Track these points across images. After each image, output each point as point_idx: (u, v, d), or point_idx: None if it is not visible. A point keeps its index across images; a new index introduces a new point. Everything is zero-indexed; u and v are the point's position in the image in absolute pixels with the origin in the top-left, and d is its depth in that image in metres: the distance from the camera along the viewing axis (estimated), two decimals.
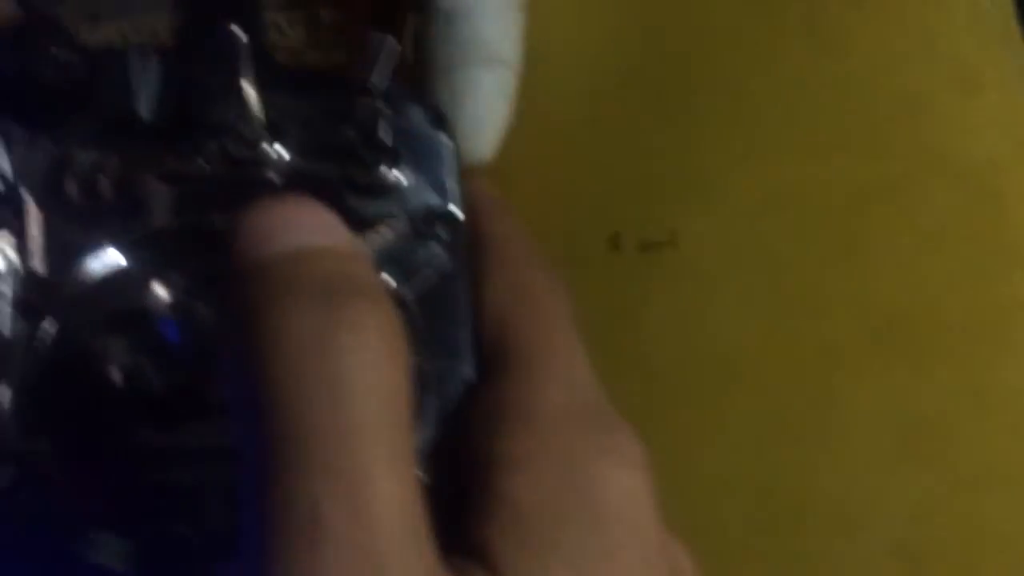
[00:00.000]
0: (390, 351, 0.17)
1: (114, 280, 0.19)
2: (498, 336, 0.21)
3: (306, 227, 0.18)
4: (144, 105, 0.21)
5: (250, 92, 0.20)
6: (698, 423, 0.52)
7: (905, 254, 0.51)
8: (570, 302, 0.23)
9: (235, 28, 0.18)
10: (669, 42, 0.60)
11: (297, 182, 0.21)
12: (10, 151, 0.20)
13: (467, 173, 0.57)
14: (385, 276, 0.20)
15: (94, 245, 0.19)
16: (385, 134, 0.21)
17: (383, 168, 0.21)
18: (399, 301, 0.20)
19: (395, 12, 0.64)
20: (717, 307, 0.53)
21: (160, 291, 0.19)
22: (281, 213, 0.17)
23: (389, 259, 0.21)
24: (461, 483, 0.20)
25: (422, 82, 0.63)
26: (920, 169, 0.52)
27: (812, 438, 0.51)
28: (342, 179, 0.21)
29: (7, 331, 0.19)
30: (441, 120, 0.23)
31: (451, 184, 0.22)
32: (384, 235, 0.21)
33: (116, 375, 0.19)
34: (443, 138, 0.22)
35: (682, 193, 0.55)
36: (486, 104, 0.63)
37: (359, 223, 0.21)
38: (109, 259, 0.20)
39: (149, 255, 0.20)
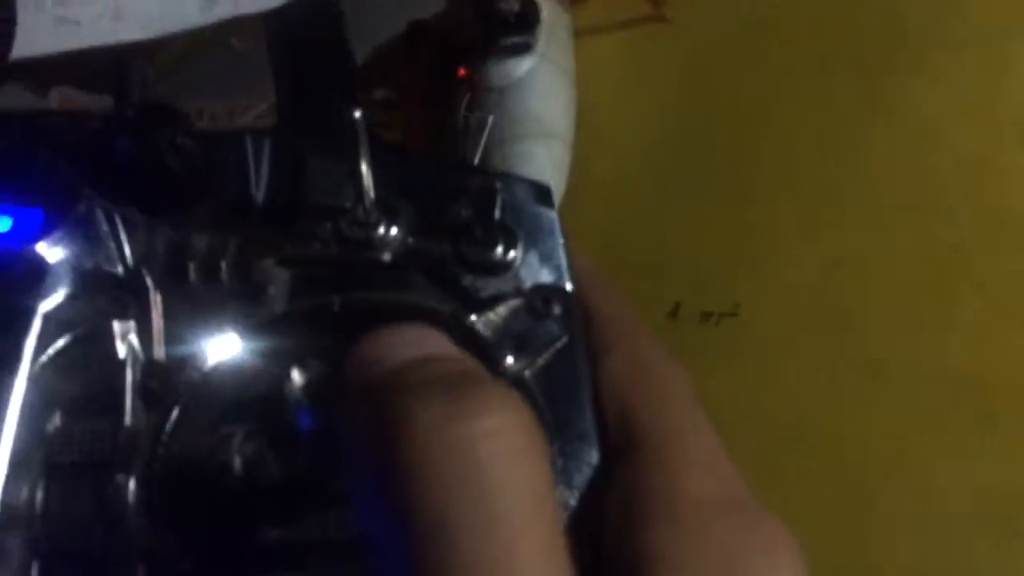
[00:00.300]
0: (525, 438, 0.16)
1: (235, 366, 0.20)
2: (622, 417, 0.21)
3: (418, 342, 0.18)
4: (260, 188, 0.21)
5: (366, 172, 0.20)
6: (767, 496, 0.51)
7: (977, 319, 0.50)
8: (692, 381, 0.22)
9: (356, 111, 0.19)
10: (722, 110, 0.61)
11: (412, 262, 0.21)
12: (132, 237, 0.20)
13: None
14: (506, 356, 0.20)
15: (214, 331, 0.20)
16: (500, 212, 0.21)
17: (498, 247, 0.21)
18: (520, 381, 0.20)
19: (448, 90, 0.66)
20: (782, 377, 0.52)
21: (297, 377, 0.19)
22: (393, 334, 0.18)
23: (507, 338, 0.20)
24: None
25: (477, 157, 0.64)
26: (986, 232, 0.51)
27: (887, 509, 0.50)
28: (456, 258, 0.21)
29: (130, 420, 0.19)
30: (546, 195, 0.23)
31: (561, 259, 0.22)
32: (501, 314, 0.21)
33: (237, 464, 0.19)
34: (550, 213, 0.22)
35: (742, 262, 0.55)
36: (539, 177, 0.64)
37: (476, 303, 0.21)
38: (228, 346, 0.20)
39: (269, 340, 0.20)
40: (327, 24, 0.22)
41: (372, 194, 0.20)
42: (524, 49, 0.59)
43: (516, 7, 0.59)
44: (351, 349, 0.18)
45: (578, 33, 0.64)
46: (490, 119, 0.23)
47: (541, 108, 0.60)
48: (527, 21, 0.59)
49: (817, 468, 0.51)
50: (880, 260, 0.53)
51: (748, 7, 0.60)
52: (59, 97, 0.67)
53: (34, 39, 0.19)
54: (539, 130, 0.59)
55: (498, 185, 0.21)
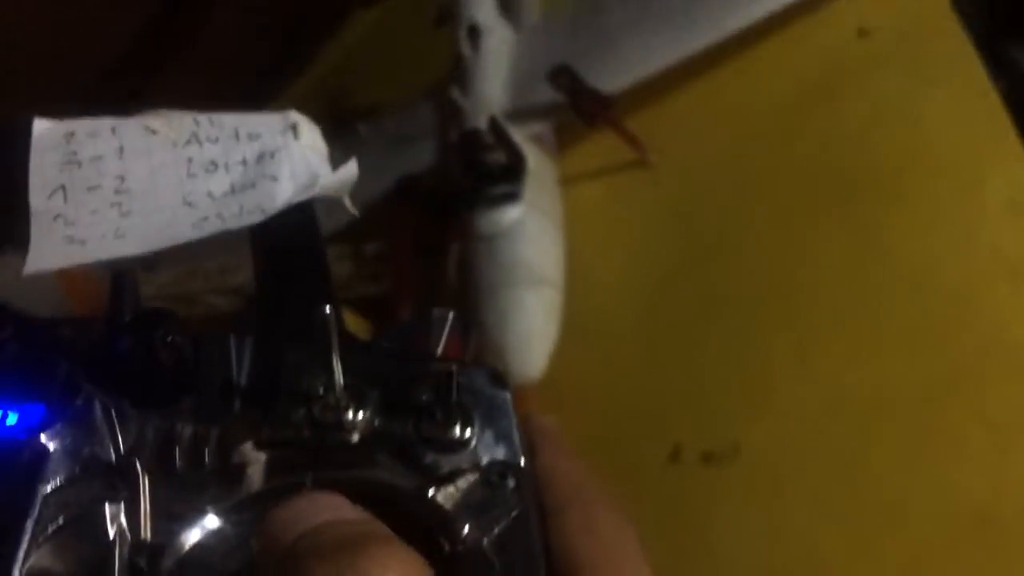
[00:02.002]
0: None
1: (215, 544, 0.23)
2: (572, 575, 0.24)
3: (321, 509, 0.20)
4: (241, 380, 0.25)
5: (336, 362, 0.24)
6: None
7: (983, 449, 0.52)
8: (638, 536, 0.25)
9: (327, 310, 0.22)
10: (712, 250, 0.65)
11: (378, 442, 0.24)
12: (125, 427, 0.24)
13: (521, 403, 0.60)
14: (464, 526, 0.23)
15: (196, 512, 0.23)
16: (458, 395, 0.24)
17: (456, 427, 0.25)
18: (477, 549, 0.23)
19: (438, 240, 0.71)
20: (791, 519, 0.54)
21: None
22: (298, 503, 0.21)
23: (465, 510, 0.23)
24: None
25: (468, 305, 0.68)
26: (980, 360, 0.53)
27: None
28: (418, 437, 0.25)
29: None
30: (501, 379, 0.26)
31: (514, 436, 0.25)
32: (460, 488, 0.24)
33: None
34: (504, 394, 0.26)
35: (741, 401, 0.57)
36: (532, 323, 0.68)
37: (436, 479, 0.24)
38: (208, 524, 0.23)
39: (246, 518, 0.23)
40: (303, 233, 0.26)
41: (342, 382, 0.24)
42: (511, 199, 0.64)
43: (502, 159, 0.64)
44: (267, 515, 0.21)
45: (564, 181, 0.69)
46: (451, 314, 0.27)
47: (530, 255, 0.64)
48: (514, 172, 0.64)
49: None
50: (880, 393, 0.55)
51: (727, 151, 0.65)
52: (60, 273, 0.73)
53: (45, 255, 0.23)
54: (529, 277, 0.64)
55: (455, 370, 0.24)
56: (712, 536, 0.56)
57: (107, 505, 0.22)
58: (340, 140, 0.77)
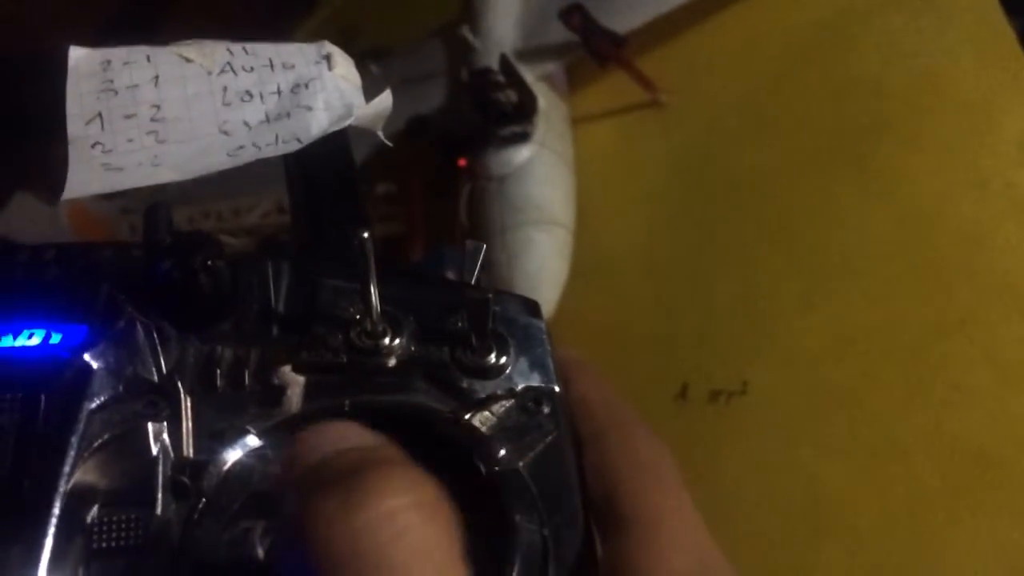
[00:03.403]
0: (427, 511, 0.19)
1: (254, 464, 0.23)
2: (610, 500, 0.24)
3: (337, 438, 0.21)
4: (279, 305, 0.25)
5: (373, 290, 0.24)
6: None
7: (987, 390, 0.52)
8: (674, 458, 0.26)
9: (364, 234, 0.23)
10: (721, 192, 0.65)
11: (414, 367, 0.25)
12: (166, 349, 0.24)
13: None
14: (500, 450, 0.24)
15: (237, 431, 0.24)
16: (493, 323, 0.25)
17: (492, 354, 0.25)
18: (514, 471, 0.23)
19: (449, 180, 0.71)
20: (795, 456, 0.54)
21: None
22: (315, 432, 0.21)
23: (501, 434, 0.24)
24: None
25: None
26: (988, 302, 0.54)
27: None
28: (454, 363, 0.25)
29: (161, 511, 0.23)
30: (535, 309, 0.27)
31: (549, 364, 0.26)
32: (496, 413, 0.24)
33: (259, 555, 0.23)
34: (539, 324, 0.26)
35: (748, 342, 0.58)
36: (542, 263, 0.68)
37: (473, 404, 0.25)
38: (249, 443, 0.24)
39: (285, 438, 0.24)
40: (338, 161, 0.27)
41: (379, 308, 0.24)
42: (523, 138, 0.64)
43: (514, 98, 0.64)
44: (287, 445, 0.21)
45: (576, 121, 0.69)
46: (483, 247, 0.28)
47: (541, 195, 0.64)
48: (525, 111, 0.64)
49: (832, 550, 0.52)
50: (886, 335, 0.55)
51: (740, 92, 0.65)
52: (69, 209, 0.73)
53: (83, 182, 0.24)
54: (540, 217, 0.64)
55: (491, 298, 0.25)
56: (718, 472, 0.57)
57: (150, 424, 0.23)
58: None
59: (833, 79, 0.62)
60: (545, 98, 0.65)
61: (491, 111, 0.64)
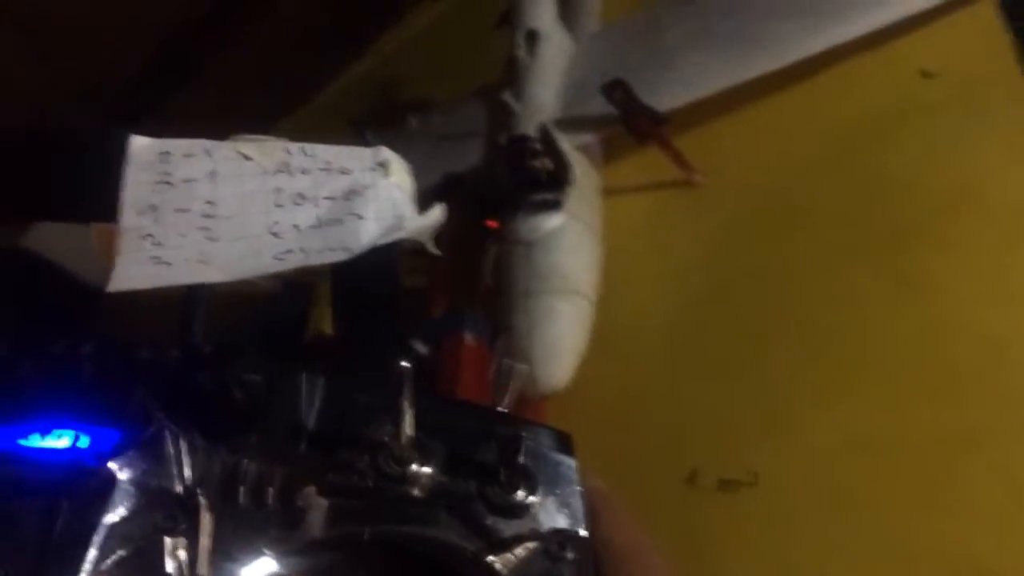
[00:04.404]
0: None
1: None
2: None
3: None
4: (310, 421, 0.24)
5: (407, 415, 0.23)
6: None
7: (994, 507, 0.51)
8: None
9: (404, 363, 0.22)
10: (745, 279, 0.64)
11: (439, 499, 0.24)
12: (193, 460, 0.23)
13: (542, 411, 0.60)
14: None
15: (254, 553, 0.23)
16: (524, 459, 0.24)
17: (519, 491, 0.24)
18: None
19: (477, 240, 0.70)
20: (802, 554, 0.53)
21: None
22: None
23: None
24: None
25: (501, 308, 0.67)
26: (1004, 417, 0.53)
27: None
28: (480, 498, 0.24)
29: None
30: (567, 443, 0.26)
31: (578, 505, 0.25)
32: (519, 556, 0.23)
33: None
34: (569, 461, 0.25)
35: (761, 432, 0.57)
36: (562, 332, 0.67)
37: (496, 544, 0.24)
38: (264, 567, 0.23)
39: (302, 564, 0.23)
40: (384, 278, 0.26)
41: (411, 433, 0.23)
42: (554, 206, 0.63)
43: (549, 166, 0.64)
44: None
45: (607, 192, 0.68)
46: (519, 366, 0.27)
47: (567, 264, 0.63)
48: (559, 180, 0.63)
49: None
50: (898, 439, 0.54)
51: (774, 181, 0.64)
52: (97, 231, 0.72)
53: (131, 275, 0.23)
54: (564, 286, 0.63)
55: (523, 433, 0.24)
56: (723, 564, 0.55)
57: (167, 538, 0.22)
58: (389, 129, 0.76)
59: (868, 176, 0.61)
60: (579, 168, 0.64)
61: (525, 177, 0.63)
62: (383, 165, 0.25)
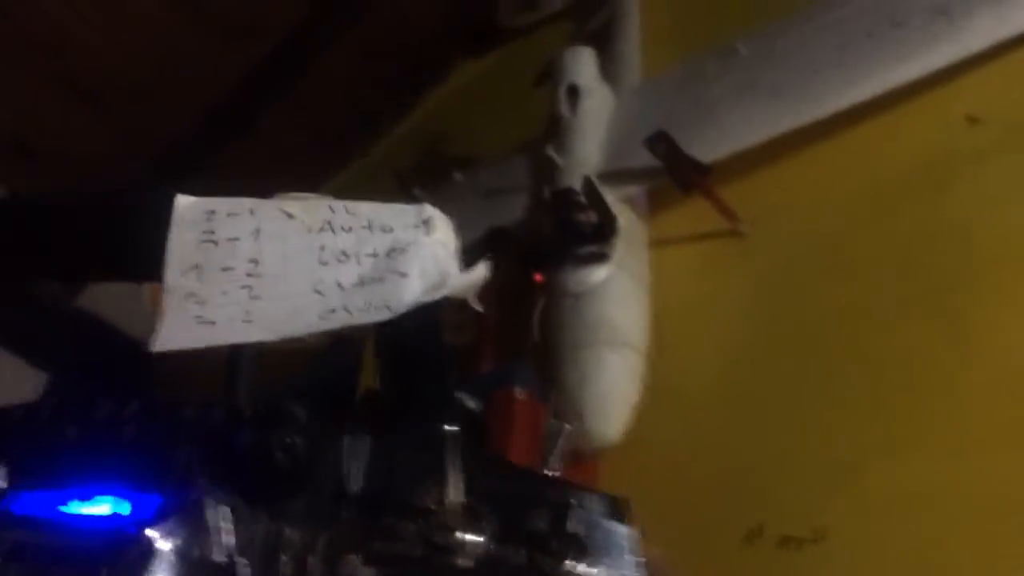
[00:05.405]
0: None
1: None
2: None
3: None
4: (353, 485, 0.23)
5: (454, 480, 0.22)
6: None
7: None
8: None
9: (449, 427, 0.21)
10: (799, 323, 0.62)
11: (489, 570, 0.23)
12: (235, 527, 0.22)
13: (597, 467, 0.58)
14: None
15: None
16: (574, 526, 0.23)
17: (569, 559, 0.23)
18: None
19: (524, 294, 0.69)
20: None
21: None
22: None
23: None
24: None
25: (550, 362, 0.66)
26: None
27: None
28: (531, 568, 0.23)
29: None
30: (621, 510, 0.25)
31: (632, 573, 0.23)
32: None
33: None
34: (624, 529, 0.24)
35: (825, 486, 0.54)
36: (613, 385, 0.66)
37: None
38: None
39: None
40: (428, 338, 0.25)
41: (460, 499, 0.22)
42: (600, 259, 0.62)
43: (594, 219, 0.63)
44: None
45: (654, 244, 0.67)
46: (567, 427, 0.26)
47: (615, 316, 0.62)
48: (604, 233, 0.62)
49: None
50: (964, 495, 0.51)
51: (822, 229, 0.62)
52: (151, 290, 0.73)
53: (175, 335, 0.23)
54: (613, 338, 0.62)
55: (573, 501, 0.22)
56: None
57: None
58: (434, 185, 0.77)
59: (918, 224, 0.59)
60: (625, 220, 0.64)
61: (570, 230, 0.63)
62: (426, 223, 0.25)
